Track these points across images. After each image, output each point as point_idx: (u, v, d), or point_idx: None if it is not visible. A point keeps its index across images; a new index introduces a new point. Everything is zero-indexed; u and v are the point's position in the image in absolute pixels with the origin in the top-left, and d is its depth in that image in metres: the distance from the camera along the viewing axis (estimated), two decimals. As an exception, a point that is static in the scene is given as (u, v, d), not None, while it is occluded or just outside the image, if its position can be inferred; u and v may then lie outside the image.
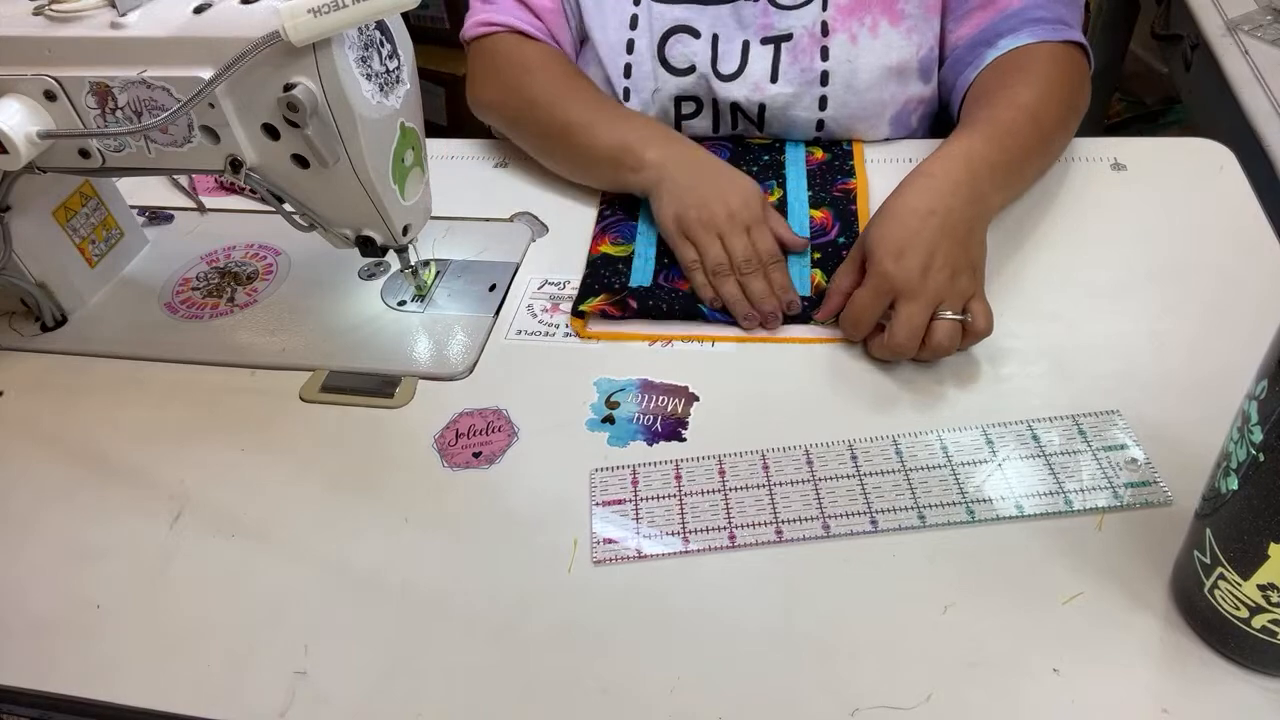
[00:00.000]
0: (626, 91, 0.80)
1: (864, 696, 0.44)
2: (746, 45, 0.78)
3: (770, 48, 0.78)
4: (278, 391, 0.64)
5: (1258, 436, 0.38)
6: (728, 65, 0.78)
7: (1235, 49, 0.95)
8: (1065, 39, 0.73)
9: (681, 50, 0.79)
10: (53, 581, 0.54)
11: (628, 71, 0.80)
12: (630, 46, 0.79)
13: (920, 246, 0.59)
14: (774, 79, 0.78)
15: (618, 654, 0.47)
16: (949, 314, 0.58)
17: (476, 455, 0.58)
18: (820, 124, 0.79)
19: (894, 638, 0.47)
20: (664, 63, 0.79)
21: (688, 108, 0.81)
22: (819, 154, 0.80)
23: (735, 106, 0.80)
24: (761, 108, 0.79)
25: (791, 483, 0.54)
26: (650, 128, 0.75)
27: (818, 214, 0.73)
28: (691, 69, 0.79)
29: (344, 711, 0.46)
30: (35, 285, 0.70)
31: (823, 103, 0.78)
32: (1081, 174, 0.75)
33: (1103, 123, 1.65)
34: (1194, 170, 0.75)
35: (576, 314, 0.67)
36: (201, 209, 0.84)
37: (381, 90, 0.55)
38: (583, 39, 0.84)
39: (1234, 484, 0.40)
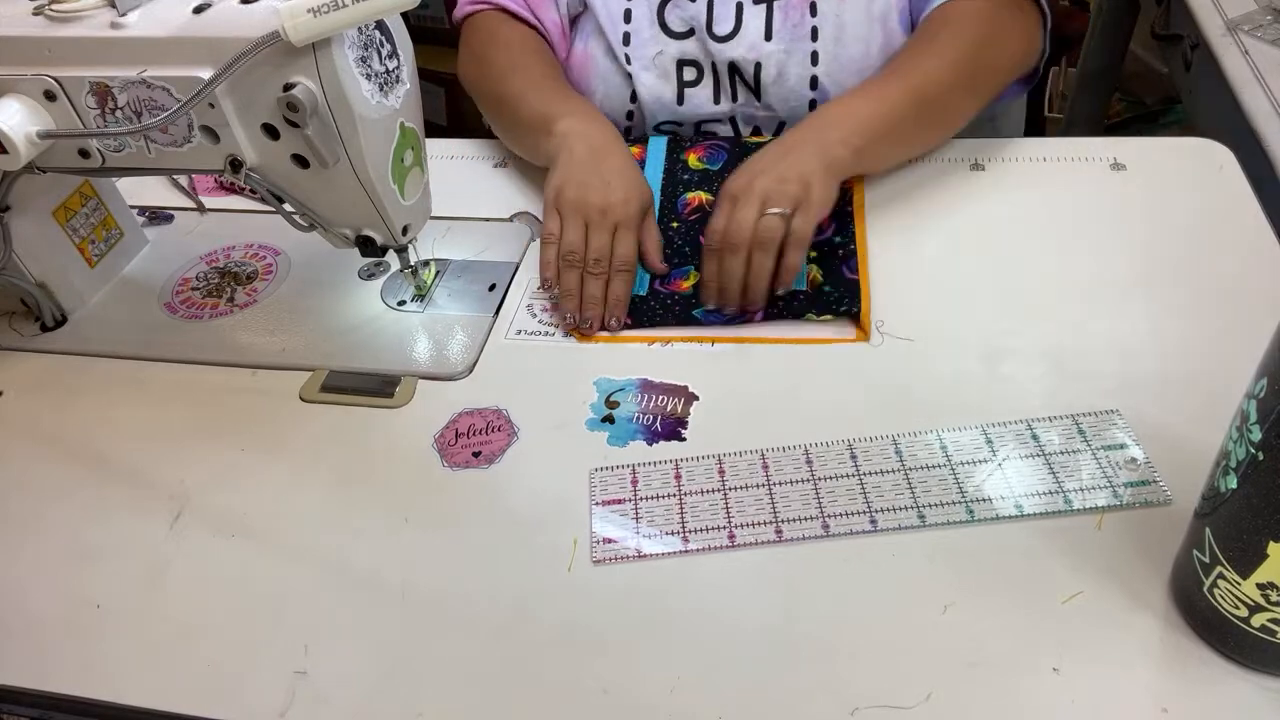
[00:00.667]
0: (627, 58, 0.83)
1: (864, 696, 0.44)
2: (740, 7, 0.80)
3: (763, 7, 0.80)
4: (278, 391, 0.64)
5: (1257, 435, 0.38)
6: (723, 26, 0.81)
7: (1235, 49, 0.95)
8: None
9: (679, 14, 0.81)
10: (53, 581, 0.54)
11: (627, 39, 0.82)
12: (628, 16, 0.82)
13: (751, 165, 0.67)
14: (768, 37, 0.80)
15: (618, 654, 0.47)
16: (774, 210, 0.63)
17: (476, 455, 0.58)
18: (814, 81, 0.81)
19: (894, 638, 0.47)
20: (664, 27, 0.82)
21: (689, 74, 0.83)
22: None
23: (733, 68, 0.82)
24: (758, 67, 0.81)
25: (791, 482, 0.54)
26: (575, 103, 0.77)
27: None
28: (690, 31, 0.81)
29: (344, 711, 0.46)
30: (35, 285, 0.70)
31: (814, 58, 0.80)
32: (1081, 174, 0.75)
33: (1103, 123, 1.65)
34: (1194, 170, 0.75)
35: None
36: (201, 209, 0.84)
37: (381, 90, 0.55)
38: (577, 13, 0.86)
39: (1233, 483, 0.40)
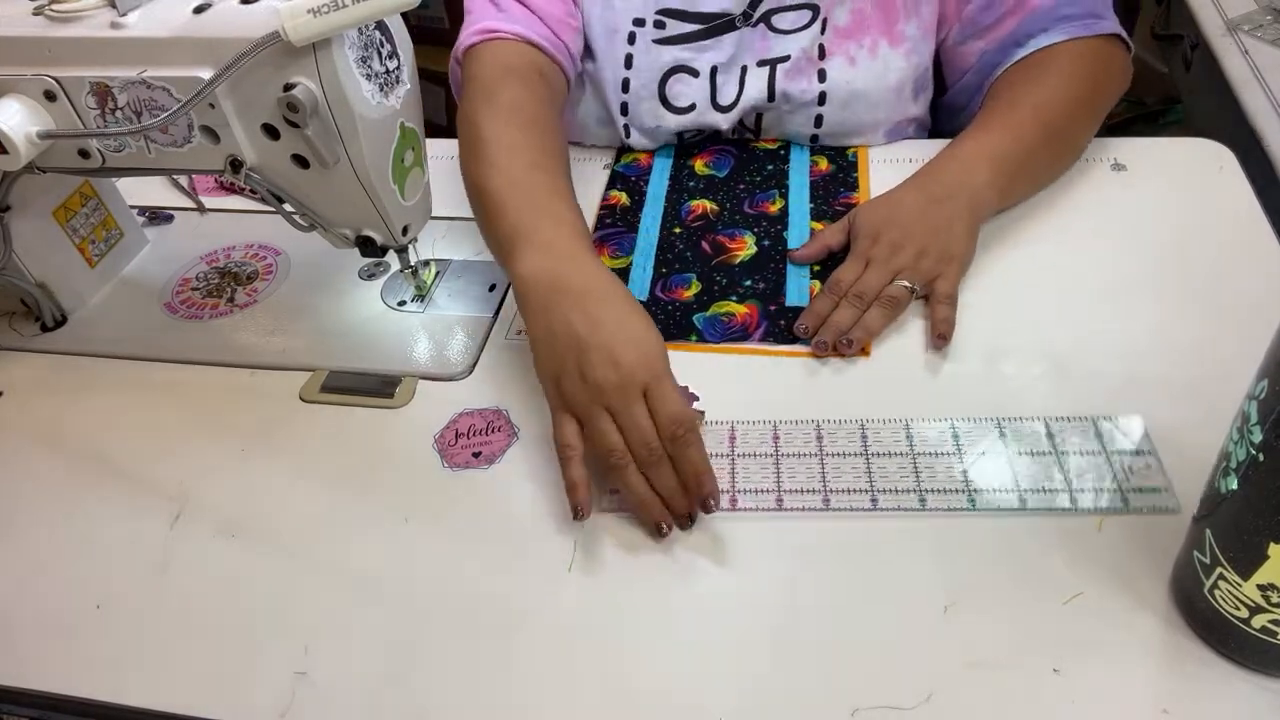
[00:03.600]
0: (627, 128, 0.81)
1: (864, 696, 0.44)
2: (744, 70, 0.78)
3: (765, 70, 0.78)
4: (278, 391, 0.64)
5: (1257, 436, 0.38)
6: (726, 96, 0.79)
7: (1235, 49, 0.95)
8: (1095, 33, 0.73)
9: (681, 89, 0.79)
10: (53, 581, 0.54)
11: (625, 109, 0.80)
12: (625, 85, 0.79)
13: (895, 228, 0.65)
14: (771, 99, 0.78)
15: (618, 654, 0.47)
16: (904, 283, 0.63)
17: (476, 455, 0.58)
18: (815, 137, 0.81)
19: (894, 638, 0.47)
20: (664, 102, 0.79)
21: (689, 136, 0.82)
22: (823, 165, 0.79)
23: (736, 126, 0.81)
24: (759, 117, 0.81)
25: (799, 455, 0.55)
26: (546, 224, 0.58)
27: (819, 226, 0.73)
28: (692, 107, 0.79)
29: (344, 711, 0.46)
30: (35, 285, 0.70)
31: (818, 120, 0.79)
32: (1081, 174, 0.75)
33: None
34: (1194, 170, 0.75)
35: None
36: (201, 209, 0.84)
37: (381, 90, 0.55)
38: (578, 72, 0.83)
39: (1234, 484, 0.40)
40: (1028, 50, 0.74)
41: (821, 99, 0.78)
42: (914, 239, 0.64)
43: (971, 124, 0.72)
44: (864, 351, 0.62)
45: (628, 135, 0.81)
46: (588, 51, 0.80)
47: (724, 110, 0.79)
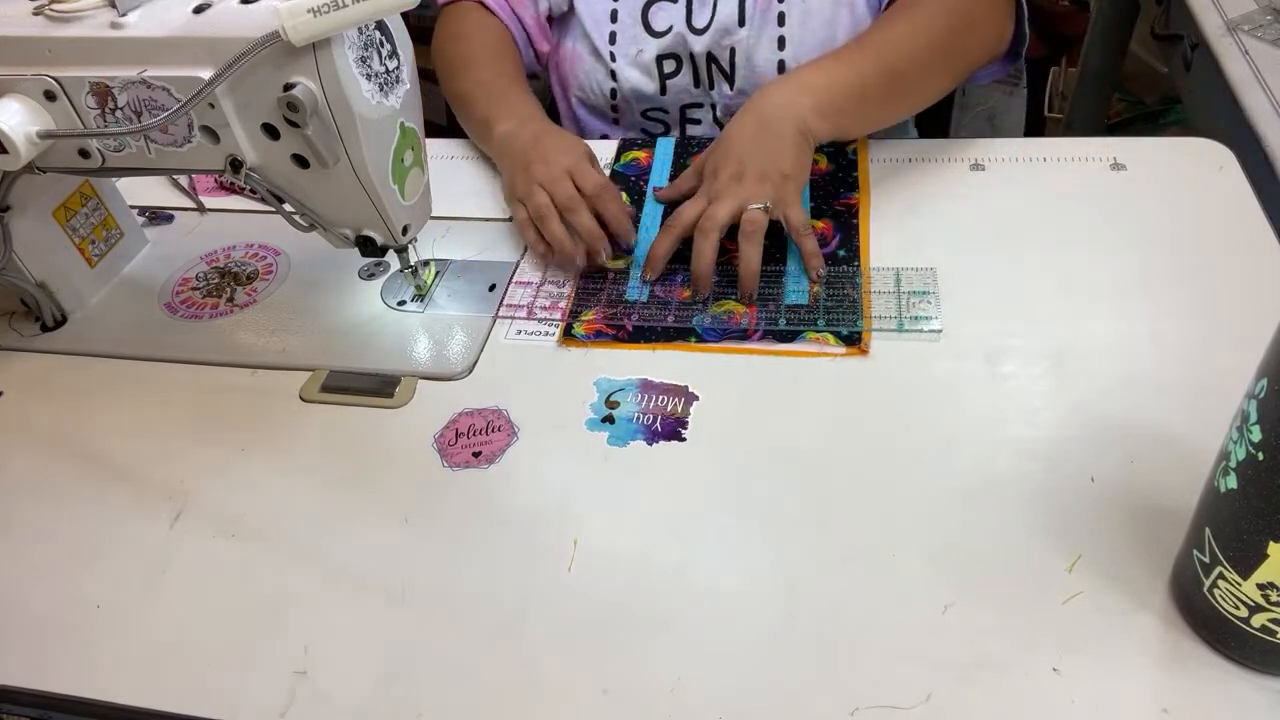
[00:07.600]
0: (613, 55, 0.87)
1: (864, 696, 0.44)
2: None
3: None
4: (278, 391, 0.64)
5: (1257, 435, 0.38)
6: (701, 19, 0.86)
7: (1235, 49, 0.95)
8: None
9: (661, 14, 0.87)
10: (52, 581, 0.54)
11: (613, 39, 0.88)
12: (614, 16, 0.88)
13: (731, 160, 0.69)
14: (741, 23, 0.84)
15: (618, 654, 0.47)
16: (756, 206, 0.66)
17: (476, 455, 0.58)
18: (781, 65, 0.84)
19: (894, 638, 0.47)
20: (647, 26, 0.87)
21: (669, 66, 0.88)
22: (823, 164, 0.79)
23: (710, 58, 0.86)
24: (731, 52, 0.85)
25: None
26: (513, 106, 0.80)
27: (818, 224, 0.73)
28: (669, 29, 0.86)
29: (344, 711, 0.46)
30: (35, 285, 0.70)
31: (781, 43, 0.84)
32: (1081, 174, 0.75)
33: (1103, 123, 1.64)
34: (1194, 170, 0.75)
35: (569, 334, 0.66)
36: (201, 209, 0.84)
37: (381, 90, 0.55)
38: (561, 12, 0.90)
39: (1233, 483, 0.40)
40: None
41: (781, 19, 0.83)
42: (750, 164, 0.68)
43: (825, 53, 0.77)
44: (863, 351, 0.62)
45: (613, 61, 0.88)
46: None
47: (698, 33, 0.85)
